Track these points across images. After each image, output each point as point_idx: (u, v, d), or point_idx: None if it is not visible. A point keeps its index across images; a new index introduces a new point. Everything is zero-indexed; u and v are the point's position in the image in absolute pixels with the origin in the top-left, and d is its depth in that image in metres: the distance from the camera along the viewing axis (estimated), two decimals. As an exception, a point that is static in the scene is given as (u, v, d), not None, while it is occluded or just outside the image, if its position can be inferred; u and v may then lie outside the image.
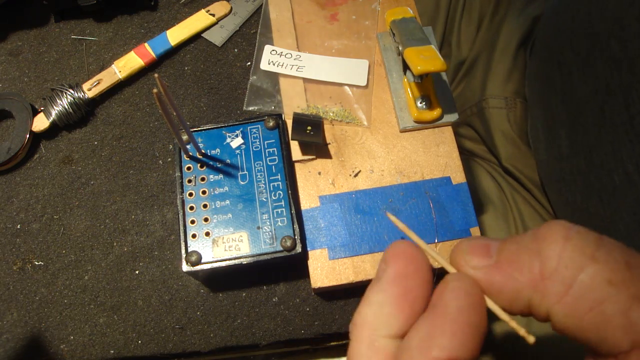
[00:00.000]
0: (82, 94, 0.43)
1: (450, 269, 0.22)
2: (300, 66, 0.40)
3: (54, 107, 0.42)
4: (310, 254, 0.35)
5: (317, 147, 0.38)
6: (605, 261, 0.18)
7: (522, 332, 0.20)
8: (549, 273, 0.18)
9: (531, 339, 0.20)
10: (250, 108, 0.41)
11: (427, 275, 0.22)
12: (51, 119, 0.42)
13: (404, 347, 0.20)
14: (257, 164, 0.37)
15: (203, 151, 0.37)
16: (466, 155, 0.61)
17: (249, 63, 0.45)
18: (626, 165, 0.36)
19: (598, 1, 0.39)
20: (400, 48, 0.37)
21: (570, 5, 0.45)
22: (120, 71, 0.44)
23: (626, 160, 0.36)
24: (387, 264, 0.22)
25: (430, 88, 0.38)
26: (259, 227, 0.35)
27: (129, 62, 0.44)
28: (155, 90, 0.28)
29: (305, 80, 0.40)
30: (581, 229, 0.19)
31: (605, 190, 0.39)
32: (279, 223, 0.35)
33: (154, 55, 0.45)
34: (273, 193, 0.36)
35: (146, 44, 0.45)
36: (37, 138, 0.43)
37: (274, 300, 0.37)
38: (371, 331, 0.21)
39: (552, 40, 0.49)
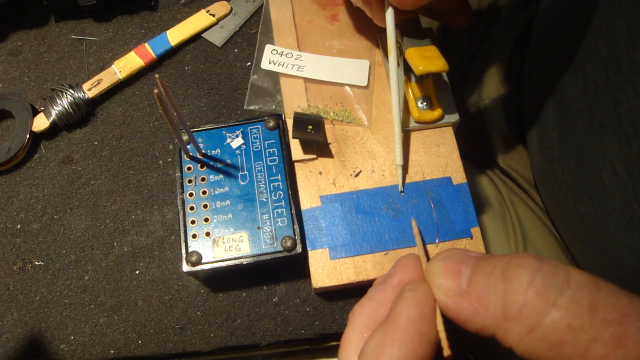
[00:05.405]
0: (82, 94, 0.43)
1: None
2: (301, 66, 0.40)
3: (54, 107, 0.42)
4: (311, 253, 0.35)
5: (318, 147, 0.38)
6: (567, 308, 0.19)
7: (445, 344, 0.21)
8: (513, 316, 0.19)
9: (446, 352, 0.21)
10: (251, 107, 0.41)
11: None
12: (51, 119, 0.42)
13: (362, 352, 0.22)
14: (257, 164, 0.37)
15: (203, 151, 0.37)
16: (463, 156, 0.61)
17: (249, 63, 0.45)
18: (615, 165, 0.36)
19: (586, 2, 0.39)
20: (401, 48, 0.37)
21: (560, 7, 0.45)
22: (120, 71, 0.44)
23: (615, 160, 0.36)
24: (395, 270, 0.25)
25: (431, 88, 0.38)
26: (259, 227, 0.35)
27: (129, 62, 0.44)
28: (156, 91, 0.28)
29: (306, 80, 0.40)
30: (548, 270, 0.20)
31: (595, 191, 0.39)
32: (279, 223, 0.35)
33: (154, 56, 0.45)
34: (273, 193, 0.36)
35: (146, 44, 0.45)
36: (37, 138, 0.43)
37: (274, 300, 0.37)
38: (365, 322, 0.24)
39: (544, 41, 0.49)
